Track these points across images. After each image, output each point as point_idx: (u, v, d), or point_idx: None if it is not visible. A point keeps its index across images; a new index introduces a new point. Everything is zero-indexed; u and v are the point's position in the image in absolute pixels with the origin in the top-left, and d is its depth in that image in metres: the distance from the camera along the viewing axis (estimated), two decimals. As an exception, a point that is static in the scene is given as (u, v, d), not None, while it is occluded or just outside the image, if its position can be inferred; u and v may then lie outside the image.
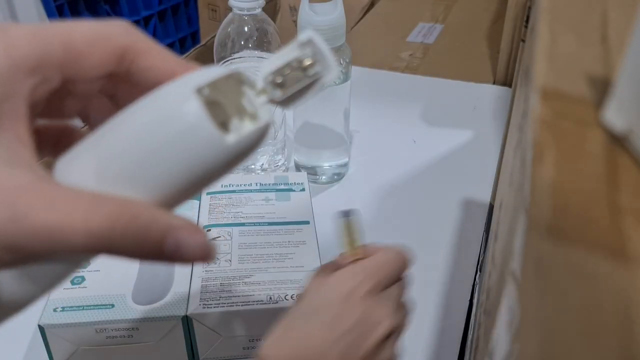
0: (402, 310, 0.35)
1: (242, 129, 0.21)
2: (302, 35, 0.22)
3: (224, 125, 0.21)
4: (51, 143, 0.25)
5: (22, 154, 0.20)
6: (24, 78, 0.20)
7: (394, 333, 0.34)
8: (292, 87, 0.22)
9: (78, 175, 0.21)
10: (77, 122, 0.26)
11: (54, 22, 0.21)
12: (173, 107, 0.20)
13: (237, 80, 0.22)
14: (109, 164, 0.21)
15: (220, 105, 0.22)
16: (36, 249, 0.19)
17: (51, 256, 0.20)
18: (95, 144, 0.22)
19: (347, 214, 0.36)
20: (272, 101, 0.22)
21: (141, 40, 0.22)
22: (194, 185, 0.21)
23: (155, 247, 0.20)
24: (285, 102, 0.23)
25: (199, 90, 0.20)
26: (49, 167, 0.22)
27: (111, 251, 0.20)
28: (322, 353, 0.31)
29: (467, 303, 0.50)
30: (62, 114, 0.25)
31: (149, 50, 0.22)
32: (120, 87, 0.24)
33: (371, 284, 0.33)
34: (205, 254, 0.21)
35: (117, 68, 0.22)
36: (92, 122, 0.25)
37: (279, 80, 0.22)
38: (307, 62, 0.22)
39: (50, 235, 0.19)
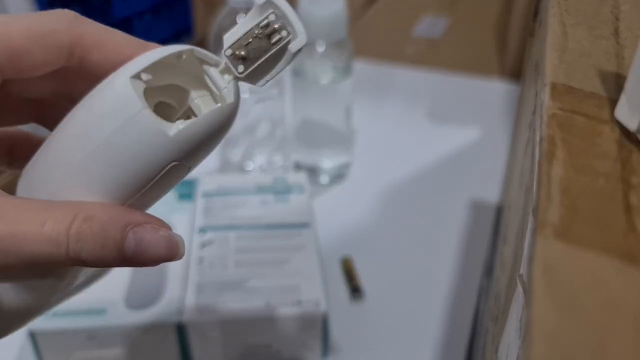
0: None
1: (194, 115, 0.20)
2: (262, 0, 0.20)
3: (178, 112, 0.20)
4: (4, 152, 0.24)
5: None
6: None
7: None
8: (257, 59, 0.20)
9: (34, 186, 0.20)
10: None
11: None
12: (109, 101, 0.19)
13: (195, 58, 0.21)
14: (59, 169, 0.20)
15: (172, 90, 0.20)
16: None
17: (18, 270, 0.19)
18: (46, 152, 0.20)
19: None
20: (237, 78, 0.20)
21: (89, 31, 0.20)
22: (151, 181, 0.20)
23: (115, 248, 0.19)
24: (252, 78, 0.21)
25: (136, 77, 0.19)
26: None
27: (69, 258, 0.19)
28: None
29: (474, 308, 0.49)
30: (14, 120, 0.23)
31: (100, 42, 0.20)
32: (78, 86, 0.22)
33: None
34: (170, 252, 0.20)
35: (66, 65, 0.21)
36: (52, 123, 0.23)
37: (242, 52, 0.20)
38: (270, 27, 0.20)
39: (4, 247, 0.18)
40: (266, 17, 0.20)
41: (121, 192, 0.20)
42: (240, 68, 0.20)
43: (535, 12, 0.40)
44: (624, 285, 0.15)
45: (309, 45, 0.54)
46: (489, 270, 0.52)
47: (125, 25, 1.04)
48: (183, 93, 0.20)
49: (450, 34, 0.91)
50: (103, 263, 0.19)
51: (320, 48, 0.53)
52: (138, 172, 0.19)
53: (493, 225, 0.57)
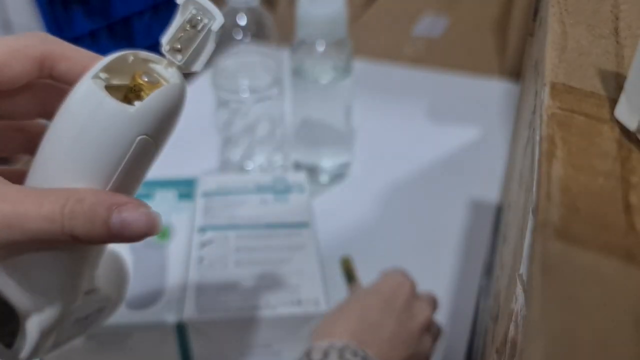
0: (433, 324, 0.42)
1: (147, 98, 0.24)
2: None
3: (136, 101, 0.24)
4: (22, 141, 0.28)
5: None
6: None
7: (428, 331, 0.40)
8: (190, 46, 0.24)
9: (36, 181, 0.24)
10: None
11: None
12: (78, 99, 0.23)
13: (140, 60, 0.25)
14: (50, 167, 0.23)
15: (128, 87, 0.24)
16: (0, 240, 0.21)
17: (15, 245, 0.22)
18: (38, 157, 0.24)
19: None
20: (179, 68, 0.25)
21: (56, 46, 0.25)
22: (126, 158, 0.23)
23: (103, 225, 0.23)
24: (190, 63, 0.25)
25: (96, 77, 0.23)
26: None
27: (64, 234, 0.22)
28: (381, 320, 0.38)
29: (474, 308, 0.49)
30: (9, 149, 0.28)
31: (65, 55, 0.25)
32: (53, 101, 0.25)
33: (413, 286, 0.42)
34: (150, 227, 0.23)
35: (40, 74, 0.25)
36: None
37: (177, 45, 0.24)
38: (194, 19, 0.24)
39: (9, 223, 0.21)
40: (189, 12, 0.24)
41: (103, 173, 0.23)
42: (179, 57, 0.24)
43: (535, 11, 0.40)
44: (624, 285, 0.15)
45: (309, 45, 0.54)
46: (488, 269, 0.52)
47: (125, 25, 1.04)
48: (128, 89, 0.24)
49: (450, 34, 0.91)
50: (94, 239, 0.23)
51: (320, 48, 0.53)
52: (113, 151, 0.23)
53: (493, 225, 0.57)
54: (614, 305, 0.15)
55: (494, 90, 0.80)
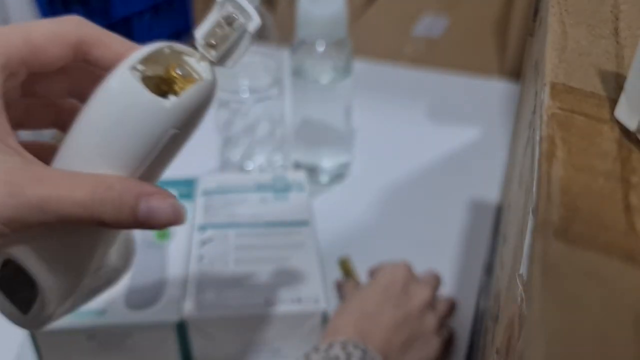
0: (437, 300, 0.44)
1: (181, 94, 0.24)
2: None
3: (169, 93, 0.24)
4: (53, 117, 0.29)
5: (9, 143, 0.23)
6: None
7: (431, 308, 0.42)
8: (224, 43, 0.25)
9: (66, 162, 0.25)
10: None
11: (14, 24, 0.25)
12: (114, 89, 0.24)
13: (175, 52, 0.25)
14: (81, 151, 0.24)
15: (162, 78, 0.25)
16: (31, 219, 0.22)
17: (44, 227, 0.23)
18: (69, 139, 0.25)
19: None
20: (212, 62, 0.25)
21: (91, 32, 0.26)
22: (156, 149, 0.24)
23: (130, 212, 0.24)
24: (223, 60, 0.26)
25: (133, 68, 0.24)
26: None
27: (93, 218, 0.23)
28: (379, 308, 0.39)
29: (474, 308, 0.49)
30: (39, 122, 0.28)
31: (99, 41, 0.26)
32: (88, 86, 0.26)
33: (409, 270, 0.44)
34: (175, 217, 0.24)
35: (75, 58, 0.26)
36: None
37: (212, 41, 0.25)
38: (231, 17, 0.25)
39: (42, 206, 0.22)
40: (226, 10, 0.25)
41: (133, 163, 0.24)
42: (213, 54, 0.25)
43: (535, 11, 0.40)
44: (624, 285, 0.15)
45: (309, 45, 0.54)
46: (489, 269, 0.52)
47: (125, 25, 1.04)
48: (163, 81, 0.25)
49: (450, 34, 0.91)
50: (121, 225, 0.24)
51: (320, 48, 0.53)
52: (145, 144, 0.24)
53: (493, 225, 0.57)
54: (614, 305, 0.15)
55: (494, 91, 0.80)
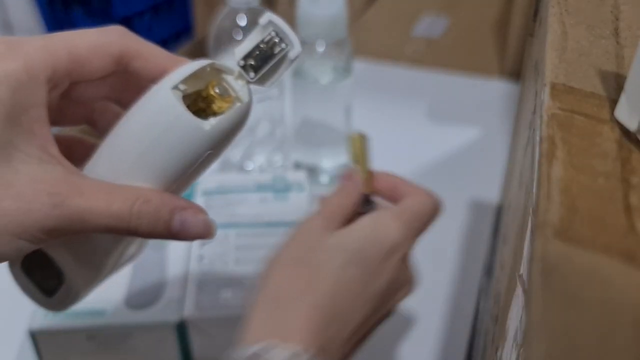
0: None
1: (220, 113, 0.25)
2: (263, 19, 0.26)
3: (206, 111, 0.25)
4: (63, 153, 0.29)
5: (52, 152, 0.24)
6: (42, 87, 0.24)
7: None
8: (264, 66, 0.26)
9: (101, 172, 0.25)
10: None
11: (58, 34, 0.25)
12: (156, 108, 0.24)
13: (215, 69, 0.26)
14: (119, 162, 0.25)
15: (200, 94, 0.25)
16: (70, 229, 0.23)
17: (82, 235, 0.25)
18: (106, 148, 0.26)
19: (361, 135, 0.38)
20: (249, 82, 0.26)
21: (134, 44, 0.26)
22: (192, 168, 0.25)
23: (165, 226, 0.25)
24: (261, 81, 0.26)
25: (176, 88, 0.24)
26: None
27: (129, 230, 0.24)
28: (353, 307, 0.30)
29: (474, 308, 0.49)
30: (71, 120, 0.29)
31: (142, 52, 0.26)
32: (124, 92, 0.27)
33: (411, 246, 0.34)
34: (206, 231, 0.26)
35: (116, 70, 0.26)
36: (100, 126, 0.29)
37: (251, 62, 0.26)
38: (272, 41, 0.26)
39: (82, 217, 0.23)
40: (269, 33, 0.26)
41: (168, 178, 0.25)
42: (251, 74, 0.26)
43: (535, 12, 0.40)
44: (624, 285, 0.15)
45: (309, 45, 0.54)
46: (489, 270, 0.52)
47: (125, 25, 1.04)
48: (202, 97, 0.26)
49: (450, 34, 0.91)
50: (153, 236, 0.25)
51: (320, 48, 0.53)
52: (182, 162, 0.25)
53: (493, 225, 0.57)
54: (614, 305, 0.15)
55: (494, 91, 0.80)
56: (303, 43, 0.54)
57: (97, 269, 0.27)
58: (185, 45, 0.94)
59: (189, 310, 0.39)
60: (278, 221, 0.46)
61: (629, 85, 0.21)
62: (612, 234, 0.17)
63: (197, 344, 0.40)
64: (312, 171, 0.61)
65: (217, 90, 0.25)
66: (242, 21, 0.53)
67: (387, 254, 0.31)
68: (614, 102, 0.22)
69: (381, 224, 0.33)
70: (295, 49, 0.26)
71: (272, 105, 0.56)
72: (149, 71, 0.26)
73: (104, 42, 0.25)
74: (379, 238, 0.32)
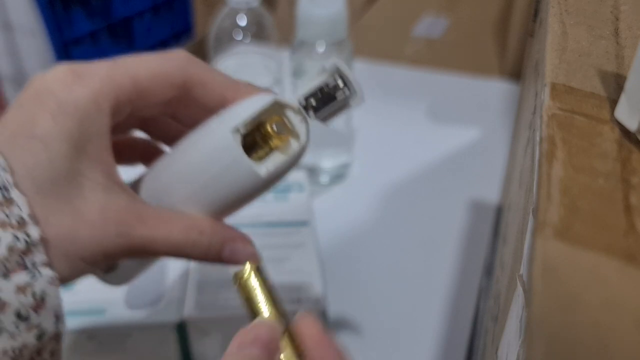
0: None
1: (276, 149, 0.26)
2: (329, 63, 0.27)
3: (262, 147, 0.26)
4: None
5: (116, 179, 0.25)
6: (106, 117, 0.24)
7: None
8: (324, 109, 0.26)
9: (158, 196, 0.27)
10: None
11: (121, 60, 0.25)
12: (216, 147, 0.25)
13: (276, 106, 0.26)
14: (175, 190, 0.26)
15: (258, 128, 0.26)
16: (131, 256, 0.25)
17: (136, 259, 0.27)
18: (164, 174, 0.27)
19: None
20: (308, 121, 0.26)
21: (197, 71, 0.26)
22: (242, 203, 0.27)
23: (216, 254, 0.26)
24: (319, 120, 0.27)
25: (236, 130, 0.25)
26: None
27: (183, 256, 0.26)
28: None
29: (474, 309, 0.49)
30: (123, 131, 0.29)
31: (204, 80, 0.26)
32: (181, 110, 0.28)
33: None
34: (252, 260, 0.27)
35: (177, 96, 0.26)
36: (153, 134, 0.30)
37: (313, 102, 0.26)
38: (336, 86, 0.26)
39: (143, 246, 0.24)
40: (334, 79, 0.26)
41: (221, 209, 0.26)
42: (311, 114, 0.26)
43: (535, 12, 0.40)
44: (624, 285, 0.15)
45: (309, 45, 0.54)
46: (489, 270, 0.52)
47: (125, 25, 1.04)
48: (262, 135, 0.26)
49: (450, 34, 0.91)
50: (203, 261, 0.26)
51: (321, 48, 0.53)
52: (236, 199, 0.26)
53: (493, 226, 0.57)
54: (614, 305, 0.15)
55: (494, 91, 0.80)
56: (303, 43, 0.54)
57: (145, 263, 0.30)
58: (185, 45, 0.94)
59: (189, 310, 0.39)
60: (278, 221, 0.46)
61: (629, 86, 0.21)
62: (612, 234, 0.17)
63: (197, 343, 0.40)
64: (312, 171, 0.61)
65: (274, 128, 0.26)
66: (242, 21, 0.54)
67: None
68: (614, 103, 0.22)
69: None
70: (357, 98, 0.27)
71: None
72: (210, 99, 0.26)
73: (167, 70, 0.26)
74: None
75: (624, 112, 0.21)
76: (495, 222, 0.58)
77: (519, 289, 0.20)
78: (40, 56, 0.86)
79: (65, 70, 0.24)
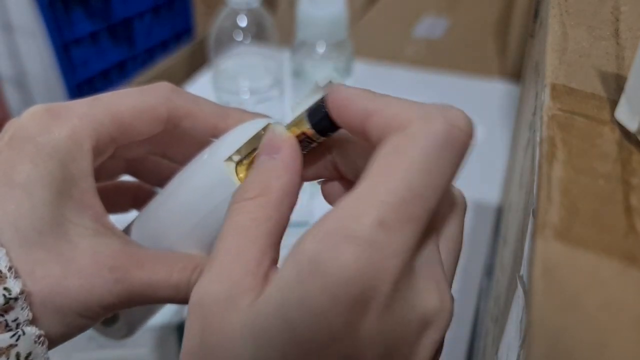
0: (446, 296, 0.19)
1: None
2: (323, 80, 0.24)
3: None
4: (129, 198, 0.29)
5: (106, 223, 0.23)
6: (87, 157, 0.23)
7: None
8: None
9: (152, 238, 0.25)
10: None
11: (100, 96, 0.24)
12: (209, 181, 0.24)
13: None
14: (170, 230, 0.25)
15: (252, 154, 0.24)
16: (131, 302, 0.23)
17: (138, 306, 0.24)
18: (157, 213, 0.26)
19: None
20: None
21: (182, 102, 0.25)
22: None
23: None
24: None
25: (229, 159, 0.23)
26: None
27: (185, 298, 0.23)
28: None
29: (474, 310, 0.49)
30: (111, 176, 0.28)
31: (191, 111, 0.25)
32: (170, 147, 0.27)
33: (403, 262, 0.17)
34: None
35: (163, 130, 0.25)
36: (144, 177, 0.29)
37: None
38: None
39: (142, 291, 0.22)
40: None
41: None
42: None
43: (535, 12, 0.40)
44: (624, 286, 0.15)
45: (310, 45, 0.54)
46: (489, 271, 0.52)
47: (125, 25, 1.04)
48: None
49: (451, 34, 0.91)
50: None
51: (321, 49, 0.53)
52: None
53: (493, 226, 0.57)
54: (614, 306, 0.15)
55: (495, 92, 0.80)
56: (303, 44, 0.54)
57: (148, 310, 0.28)
58: (185, 46, 0.94)
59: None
60: (278, 222, 0.46)
61: (629, 86, 0.21)
62: (613, 235, 0.17)
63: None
64: (313, 172, 0.61)
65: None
66: (243, 22, 0.54)
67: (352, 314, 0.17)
68: (614, 103, 0.22)
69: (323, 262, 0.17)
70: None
71: (272, 106, 0.57)
72: (200, 131, 0.25)
73: (149, 104, 0.24)
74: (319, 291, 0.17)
75: (624, 113, 0.21)
76: (496, 222, 0.57)
77: (519, 290, 0.20)
78: (41, 57, 0.86)
79: (41, 111, 0.23)
